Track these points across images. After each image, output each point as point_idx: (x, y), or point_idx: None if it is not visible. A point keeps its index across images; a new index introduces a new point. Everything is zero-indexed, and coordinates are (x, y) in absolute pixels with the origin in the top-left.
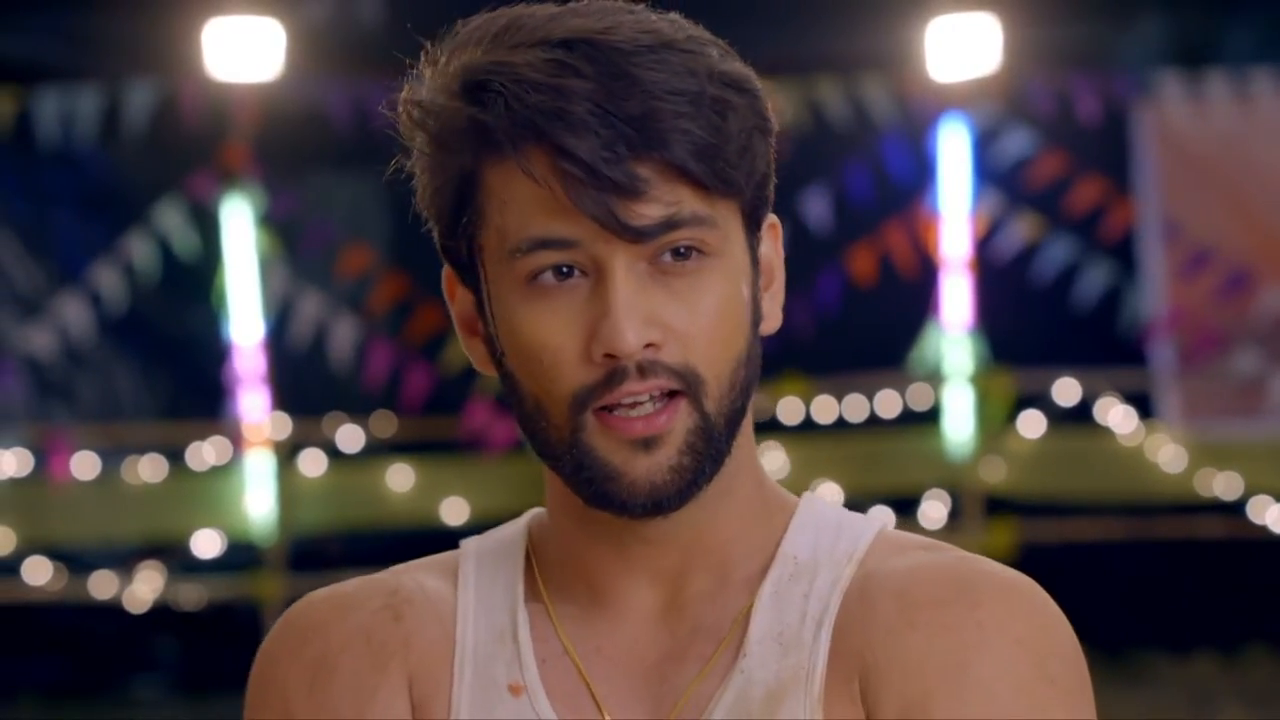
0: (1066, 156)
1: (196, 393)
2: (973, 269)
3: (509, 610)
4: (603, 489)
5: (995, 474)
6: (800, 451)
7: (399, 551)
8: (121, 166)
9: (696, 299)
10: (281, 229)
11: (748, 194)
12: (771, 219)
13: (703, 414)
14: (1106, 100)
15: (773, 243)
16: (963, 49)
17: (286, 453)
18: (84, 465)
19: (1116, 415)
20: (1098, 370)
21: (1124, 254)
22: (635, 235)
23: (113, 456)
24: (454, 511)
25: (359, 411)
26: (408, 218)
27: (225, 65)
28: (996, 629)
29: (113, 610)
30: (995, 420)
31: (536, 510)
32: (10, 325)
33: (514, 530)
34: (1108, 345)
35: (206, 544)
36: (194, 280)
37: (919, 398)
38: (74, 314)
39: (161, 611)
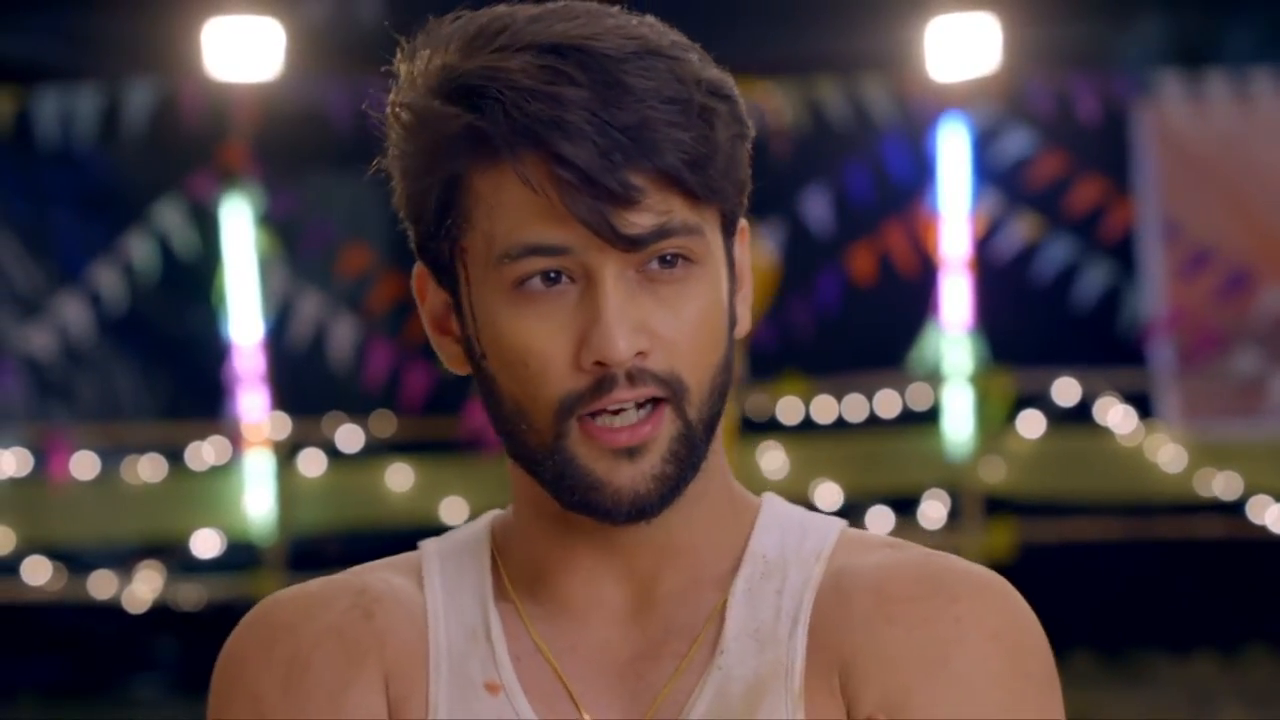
0: (1066, 156)
1: (196, 392)
2: (972, 269)
3: (479, 609)
4: (585, 497)
5: (995, 474)
6: (800, 451)
7: (399, 551)
8: (121, 166)
9: (682, 306)
10: (281, 229)
11: (731, 201)
12: (742, 223)
13: (685, 421)
14: (1106, 100)
15: (743, 246)
16: (962, 49)
17: (286, 452)
18: (84, 465)
19: (1116, 415)
20: (1097, 370)
21: (1124, 254)
22: (628, 244)
23: (112, 456)
24: (453, 511)
25: (358, 411)
26: None
27: (225, 65)
28: (973, 624)
29: (112, 610)
30: (995, 420)
31: (495, 511)
32: (10, 325)
33: (475, 530)
34: (1107, 345)
35: (206, 544)
36: (194, 280)
37: (919, 398)
38: (74, 314)
39: (161, 611)
